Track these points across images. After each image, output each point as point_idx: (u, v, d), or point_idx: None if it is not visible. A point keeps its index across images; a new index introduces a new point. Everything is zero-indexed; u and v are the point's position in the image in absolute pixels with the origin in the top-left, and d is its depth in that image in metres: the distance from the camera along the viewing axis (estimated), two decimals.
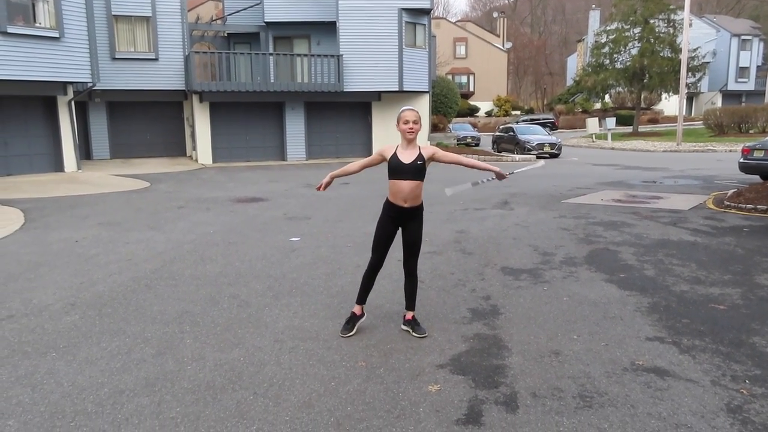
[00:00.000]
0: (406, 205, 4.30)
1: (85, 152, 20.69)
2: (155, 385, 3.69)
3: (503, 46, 59.52)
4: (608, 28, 38.36)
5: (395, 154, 4.28)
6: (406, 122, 4.23)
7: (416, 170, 4.24)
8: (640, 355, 4.08)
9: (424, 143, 25.19)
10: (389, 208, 4.39)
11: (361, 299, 4.58)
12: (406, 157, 4.25)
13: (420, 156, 4.25)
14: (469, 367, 3.92)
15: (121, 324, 4.79)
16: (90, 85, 17.40)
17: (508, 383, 3.68)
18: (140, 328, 4.68)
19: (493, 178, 4.61)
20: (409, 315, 4.56)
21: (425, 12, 22.78)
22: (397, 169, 4.25)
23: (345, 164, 4.66)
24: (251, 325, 4.74)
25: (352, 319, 4.55)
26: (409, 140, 4.26)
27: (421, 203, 4.40)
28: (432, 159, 4.32)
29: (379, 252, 4.46)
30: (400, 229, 4.45)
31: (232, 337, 4.48)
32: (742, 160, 13.29)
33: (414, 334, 4.45)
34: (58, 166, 17.07)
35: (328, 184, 4.56)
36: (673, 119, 42.45)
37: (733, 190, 11.78)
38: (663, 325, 4.67)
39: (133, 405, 3.43)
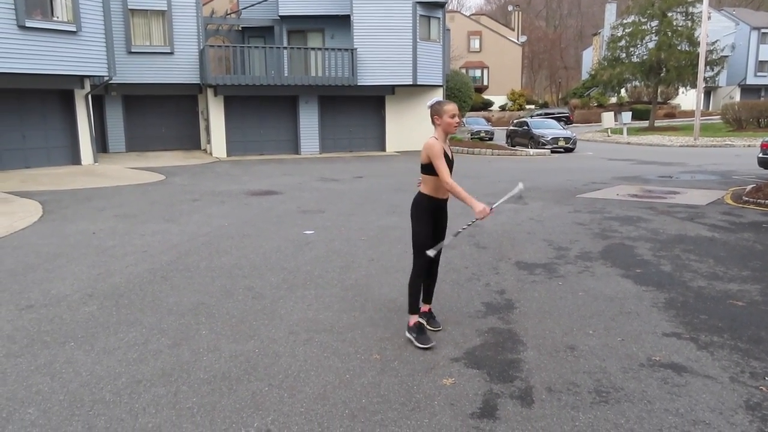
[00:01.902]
0: (445, 197, 4.28)
1: (101, 145, 20.87)
2: (171, 375, 3.72)
3: (518, 39, 59.09)
4: (625, 21, 37.91)
5: (444, 149, 4.10)
6: (453, 116, 4.07)
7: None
8: (656, 351, 4.05)
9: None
10: (430, 203, 4.20)
11: (418, 307, 4.31)
12: (448, 150, 4.21)
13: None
14: (484, 360, 3.91)
15: (137, 315, 4.84)
16: (106, 78, 17.52)
17: (523, 377, 3.66)
18: (156, 319, 4.72)
19: (472, 222, 4.50)
20: (426, 307, 4.54)
21: (440, 5, 22.65)
22: (448, 165, 4.10)
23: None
24: (266, 317, 4.76)
25: (423, 328, 4.30)
26: (450, 134, 4.16)
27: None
28: None
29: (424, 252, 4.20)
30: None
31: (247, 329, 4.51)
32: (761, 155, 13.12)
33: (429, 327, 4.44)
34: (75, 158, 17.24)
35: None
36: (690, 114, 41.95)
37: (751, 186, 11.61)
38: (680, 320, 4.63)
39: (150, 395, 3.47)
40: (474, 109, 43.77)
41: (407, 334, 4.26)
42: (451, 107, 4.10)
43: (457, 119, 4.09)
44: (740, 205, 10.14)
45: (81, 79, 16.93)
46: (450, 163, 4.12)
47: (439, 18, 22.93)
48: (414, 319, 4.26)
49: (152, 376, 3.72)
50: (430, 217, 4.24)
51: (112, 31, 16.95)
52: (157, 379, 3.67)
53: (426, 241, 4.21)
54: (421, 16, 22.04)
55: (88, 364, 3.89)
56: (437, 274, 4.56)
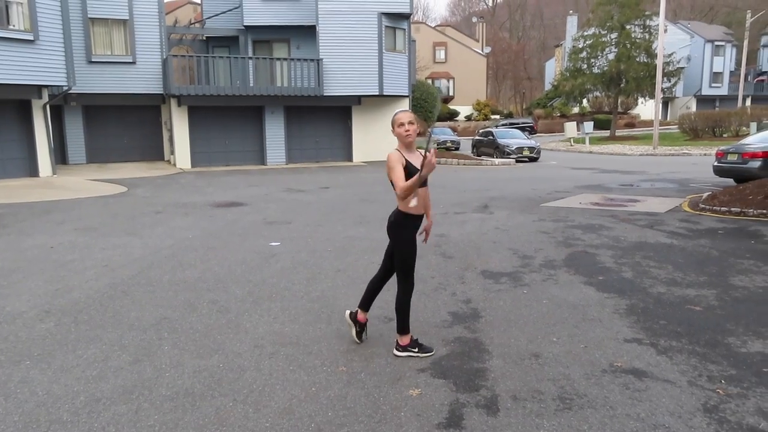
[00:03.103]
0: (422, 213, 4.05)
1: (60, 157, 20.38)
2: (132, 392, 3.63)
3: (482, 50, 59.99)
4: (586, 33, 38.87)
5: (407, 160, 3.88)
6: (401, 124, 3.86)
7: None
8: (618, 357, 4.12)
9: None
10: (415, 222, 4.03)
11: (408, 326, 4.21)
12: (418, 162, 3.84)
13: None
14: (450, 370, 3.93)
15: (97, 331, 4.71)
16: (65, 88, 17.14)
17: (489, 386, 3.69)
18: (117, 335, 4.61)
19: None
20: (364, 316, 4.43)
21: (405, 17, 22.88)
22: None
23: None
24: (231, 331, 4.69)
25: (417, 340, 4.26)
26: (408, 144, 3.91)
27: None
28: None
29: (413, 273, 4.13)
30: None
31: (211, 343, 4.43)
32: (716, 164, 13.56)
33: (357, 339, 4.41)
34: (32, 170, 16.76)
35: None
36: (649, 123, 43.15)
37: (707, 193, 11.99)
38: (641, 326, 4.73)
39: (109, 413, 3.37)
40: (440, 119, 44.17)
41: (402, 353, 4.15)
42: (400, 116, 3.90)
43: (407, 128, 3.85)
44: (697, 212, 10.45)
45: (39, 88, 16.52)
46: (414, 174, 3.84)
47: (404, 29, 23.14)
48: (407, 338, 4.17)
49: (112, 394, 3.62)
50: (415, 236, 4.05)
51: (71, 40, 16.62)
52: (118, 396, 3.58)
53: (413, 260, 4.08)
54: (386, 27, 22.21)
55: (44, 383, 3.76)
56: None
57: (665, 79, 35.39)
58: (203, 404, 3.48)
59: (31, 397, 3.59)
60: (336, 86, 21.92)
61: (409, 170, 3.83)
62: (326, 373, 3.90)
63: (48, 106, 17.02)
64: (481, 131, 30.08)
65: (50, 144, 17.10)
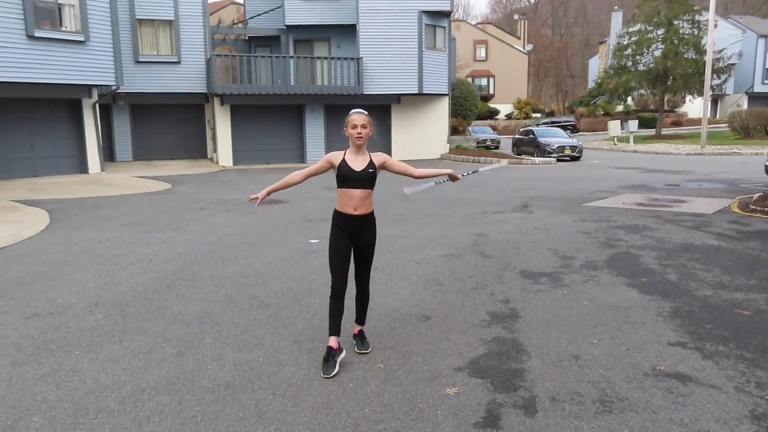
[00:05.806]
0: (356, 213, 4.03)
1: (108, 154, 21.03)
2: (176, 384, 3.74)
3: (524, 48, 59.18)
4: (631, 29, 37.87)
5: (344, 160, 3.99)
6: (354, 126, 3.92)
7: (367, 178, 3.97)
8: (661, 361, 4.03)
9: (444, 146, 25.12)
10: (338, 218, 4.12)
11: (336, 329, 4.02)
12: (357, 164, 3.97)
13: (371, 163, 3.99)
14: (488, 370, 3.91)
15: (142, 323, 4.86)
16: (114, 87, 17.68)
17: (527, 387, 3.65)
18: (161, 328, 4.74)
19: (446, 180, 4.36)
20: (357, 329, 4.33)
21: (445, 14, 22.77)
22: (347, 178, 3.98)
23: None
24: (270, 326, 4.77)
25: (330, 355, 3.93)
26: (358, 146, 3.98)
27: (372, 212, 4.13)
28: (383, 167, 4.09)
29: (340, 270, 4.08)
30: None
31: (251, 338, 4.52)
32: None
33: (357, 350, 4.21)
34: (82, 167, 17.37)
35: (263, 198, 4.18)
36: (697, 122, 41.84)
37: (758, 194, 11.55)
38: (685, 330, 4.61)
39: (154, 403, 3.48)
40: (480, 117, 43.84)
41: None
42: (354, 117, 3.94)
43: (359, 131, 3.91)
44: (747, 214, 10.08)
45: (89, 88, 17.09)
46: (354, 175, 3.96)
47: (444, 27, 23.03)
48: (330, 341, 4.00)
49: (156, 384, 3.73)
50: (340, 233, 4.18)
51: (119, 41, 17.12)
52: (162, 387, 3.69)
53: (335, 262, 4.15)
54: (426, 25, 22.15)
55: (93, 373, 3.91)
56: (368, 294, 4.34)
57: (715, 76, 34.21)
58: (243, 397, 3.55)
59: (80, 385, 3.73)
60: (375, 85, 21.98)
61: (344, 172, 3.97)
62: (363, 369, 3.93)
63: (97, 105, 17.60)
64: (521, 130, 29.69)
65: (99, 142, 17.68)
